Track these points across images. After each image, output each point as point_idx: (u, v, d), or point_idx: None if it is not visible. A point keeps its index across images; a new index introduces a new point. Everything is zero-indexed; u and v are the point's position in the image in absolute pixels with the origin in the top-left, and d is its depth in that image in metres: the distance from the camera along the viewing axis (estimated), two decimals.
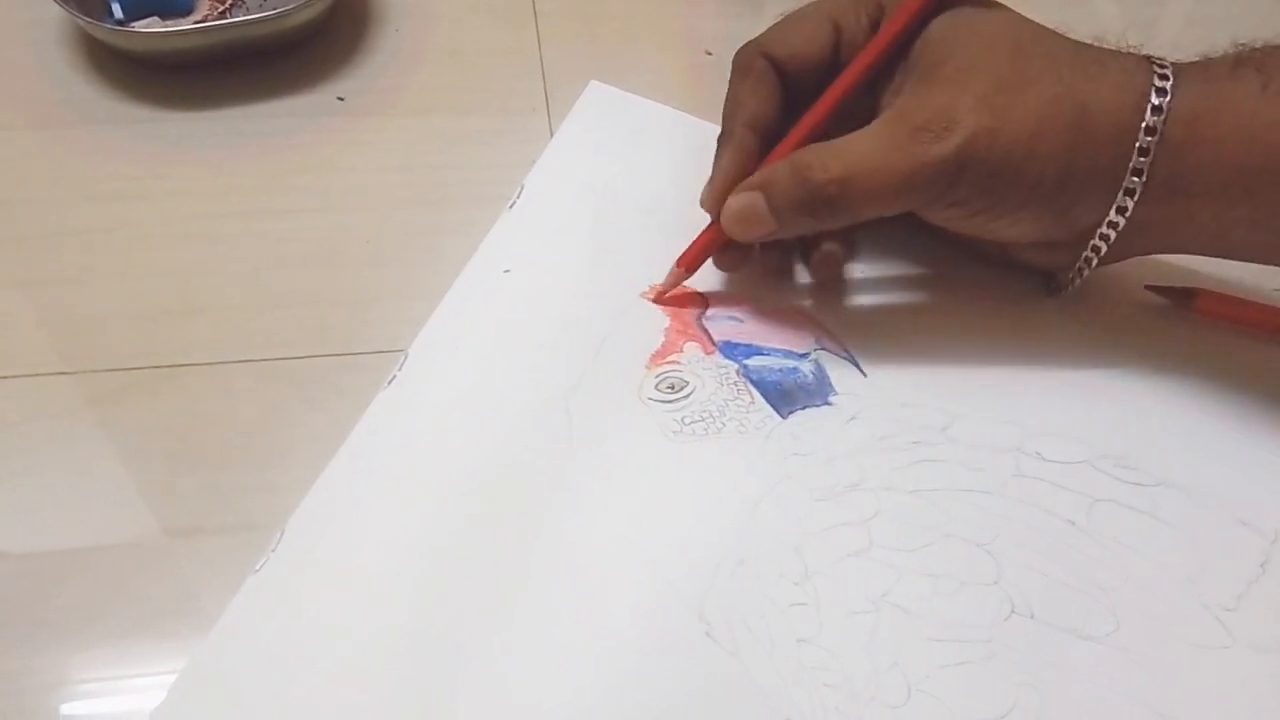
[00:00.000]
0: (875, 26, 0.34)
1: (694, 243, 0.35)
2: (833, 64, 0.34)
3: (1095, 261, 0.33)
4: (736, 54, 0.35)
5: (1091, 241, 0.32)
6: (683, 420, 0.33)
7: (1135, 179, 0.30)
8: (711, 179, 0.34)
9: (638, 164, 0.41)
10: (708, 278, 0.37)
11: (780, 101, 0.34)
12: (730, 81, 0.35)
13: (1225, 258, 0.33)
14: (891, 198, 0.31)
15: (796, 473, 0.32)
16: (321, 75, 0.44)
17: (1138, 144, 0.29)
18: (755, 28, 0.36)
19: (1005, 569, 0.30)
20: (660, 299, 0.36)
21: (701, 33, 0.48)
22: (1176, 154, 0.29)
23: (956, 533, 0.31)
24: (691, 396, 0.34)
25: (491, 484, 0.31)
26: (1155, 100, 0.29)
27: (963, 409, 0.34)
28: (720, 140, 0.35)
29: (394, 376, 0.33)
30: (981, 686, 0.28)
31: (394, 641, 0.28)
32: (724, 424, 0.33)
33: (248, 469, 0.31)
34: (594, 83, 0.44)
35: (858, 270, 0.38)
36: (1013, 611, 0.29)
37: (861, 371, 0.35)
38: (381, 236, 0.38)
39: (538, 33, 0.47)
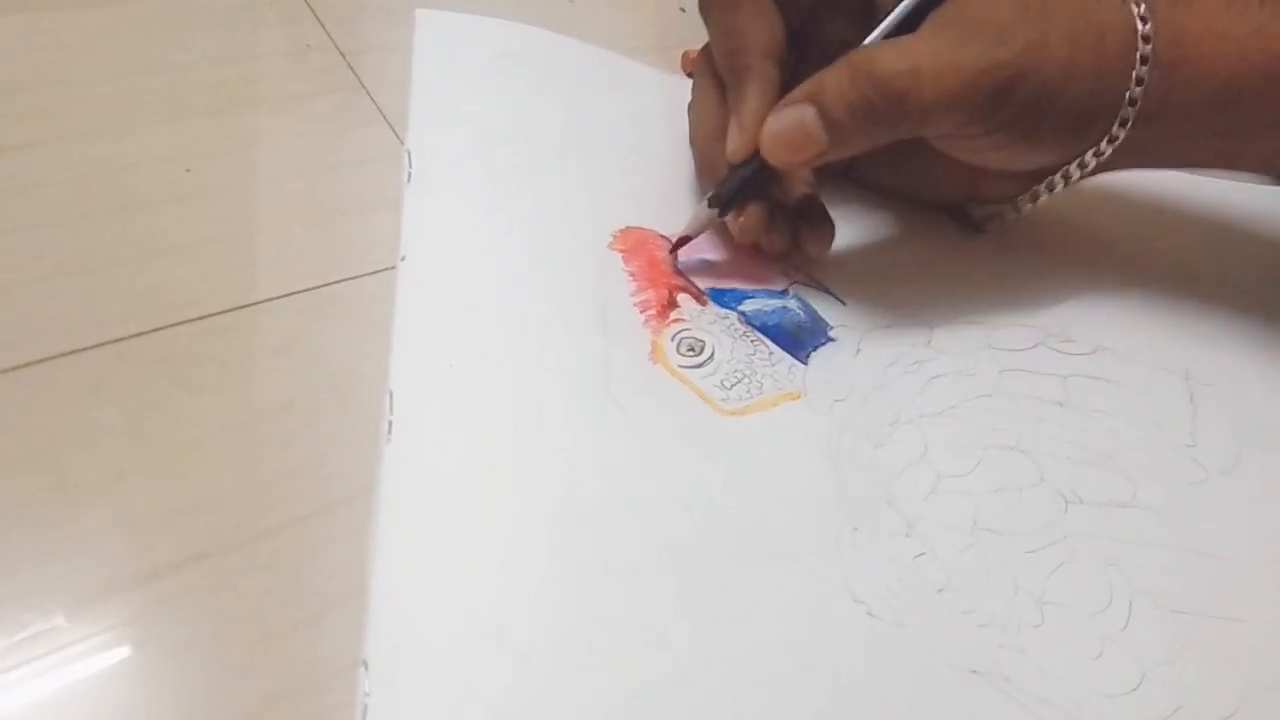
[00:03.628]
0: None
1: (722, 183, 0.31)
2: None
3: (1060, 187, 0.33)
4: None
5: (1073, 163, 0.32)
6: (722, 384, 0.29)
7: (1130, 103, 0.30)
8: (739, 119, 0.29)
9: (520, 95, 0.34)
10: (653, 219, 0.32)
11: (785, 30, 0.30)
12: (711, 15, 0.30)
13: (1190, 169, 0.35)
14: (960, 98, 0.28)
15: (846, 421, 0.30)
16: None
17: (1134, 68, 0.29)
18: None
19: (1042, 465, 0.31)
20: (675, 247, 0.31)
21: None
22: (1166, 74, 0.30)
23: (992, 442, 0.31)
24: (715, 356, 0.30)
25: (569, 511, 0.25)
26: (1142, 25, 0.29)
27: (932, 317, 0.34)
28: (735, 77, 0.30)
29: (390, 423, 0.25)
30: (1083, 581, 0.29)
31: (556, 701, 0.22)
32: (761, 383, 0.30)
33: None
34: (419, 10, 0.35)
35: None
36: (1066, 502, 0.31)
37: (840, 300, 0.33)
38: (167, 165, 0.28)
39: None
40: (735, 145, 0.30)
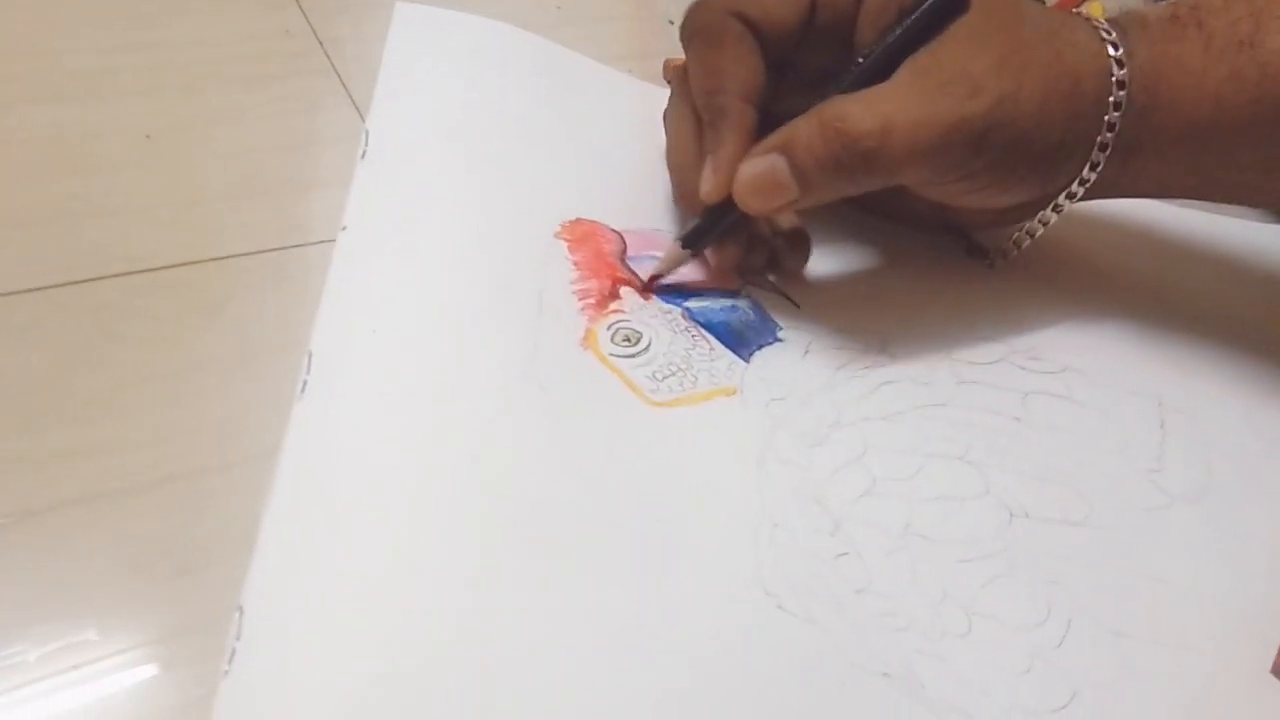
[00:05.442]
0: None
1: (696, 227, 0.31)
2: (809, 27, 0.31)
3: (1051, 223, 0.33)
4: (694, 13, 0.31)
5: (1054, 203, 0.32)
6: (654, 375, 0.29)
7: (1102, 148, 0.30)
8: (715, 162, 0.29)
9: (490, 87, 0.35)
10: (606, 214, 0.32)
11: (765, 71, 0.30)
12: (693, 47, 0.30)
13: (1161, 198, 0.35)
14: (931, 154, 0.28)
15: (782, 419, 0.30)
16: None
17: (1107, 113, 0.29)
18: None
19: (989, 476, 0.31)
20: (649, 286, 0.31)
21: None
22: (1139, 117, 0.30)
23: (936, 451, 0.31)
24: (651, 348, 0.30)
25: (473, 482, 0.25)
26: (1117, 70, 0.29)
27: (890, 326, 0.34)
28: (712, 117, 0.30)
29: (304, 382, 0.25)
30: (1020, 595, 0.28)
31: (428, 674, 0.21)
32: (696, 376, 0.30)
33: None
34: (400, 3, 0.36)
35: None
36: (1011, 515, 0.30)
37: (794, 303, 0.33)
38: (129, 132, 0.30)
39: None
40: (709, 188, 0.30)
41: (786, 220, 0.33)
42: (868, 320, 0.34)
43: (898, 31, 0.29)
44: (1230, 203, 0.38)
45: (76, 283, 0.25)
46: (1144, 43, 0.30)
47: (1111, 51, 0.30)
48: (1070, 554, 0.29)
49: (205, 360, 0.25)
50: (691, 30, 0.31)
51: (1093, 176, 0.31)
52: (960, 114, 0.28)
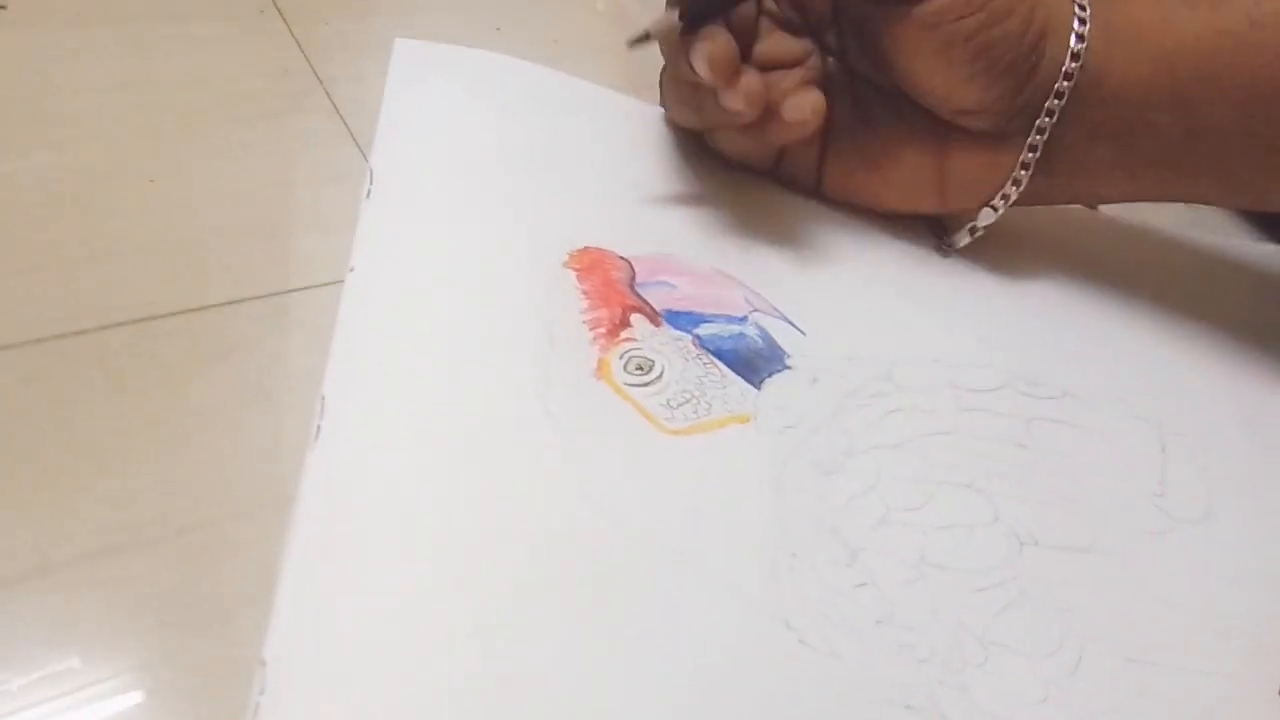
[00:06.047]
0: None
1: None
2: None
3: (1013, 197, 0.34)
4: None
5: (1013, 174, 0.34)
6: (668, 403, 0.29)
7: (1054, 112, 0.32)
8: None
9: (491, 119, 0.34)
10: (613, 241, 0.32)
11: None
12: None
13: (1118, 192, 0.36)
14: None
15: (794, 447, 0.30)
16: None
17: (1069, 45, 0.32)
18: None
19: (997, 504, 0.31)
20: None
21: None
22: (1094, 83, 0.32)
23: (946, 479, 0.31)
24: (664, 376, 0.30)
25: (492, 520, 0.25)
26: (1079, 40, 0.31)
27: (893, 353, 0.34)
28: None
29: (318, 427, 0.25)
30: (1032, 623, 0.28)
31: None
32: (710, 404, 0.30)
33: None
34: (399, 40, 0.36)
35: (765, 232, 0.36)
36: (1020, 543, 0.30)
37: (799, 329, 0.33)
38: (131, 175, 0.29)
39: None
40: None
41: (790, 80, 0.34)
42: (871, 345, 0.34)
43: None
44: (1208, 200, 0.39)
45: (82, 332, 0.25)
46: (1101, 5, 0.33)
47: (1078, 11, 0.32)
48: (1079, 581, 0.30)
49: (215, 407, 0.25)
50: None
51: (1047, 127, 0.33)
52: None
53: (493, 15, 0.40)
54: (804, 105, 0.32)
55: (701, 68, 0.31)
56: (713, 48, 0.30)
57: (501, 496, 0.25)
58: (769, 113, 0.32)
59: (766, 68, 0.33)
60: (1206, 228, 0.42)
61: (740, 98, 0.31)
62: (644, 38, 0.32)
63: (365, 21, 0.37)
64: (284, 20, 0.35)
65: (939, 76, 0.33)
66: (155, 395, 0.25)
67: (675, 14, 0.31)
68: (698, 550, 0.26)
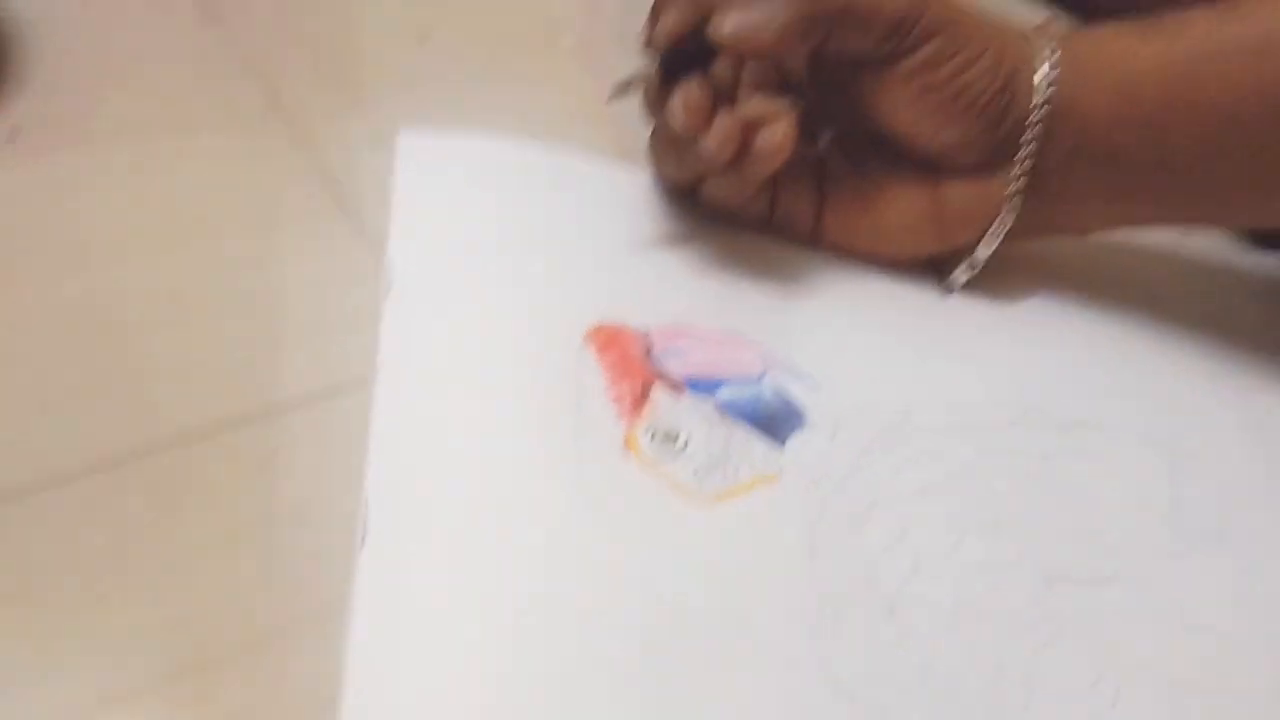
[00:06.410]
0: None
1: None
2: None
3: (1009, 224, 0.36)
4: None
5: (1004, 203, 0.35)
6: (697, 472, 0.30)
7: (1033, 140, 0.34)
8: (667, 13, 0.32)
9: (500, 204, 0.35)
10: (626, 313, 0.33)
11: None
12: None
13: (1113, 227, 0.37)
14: (893, 19, 0.32)
15: (822, 504, 0.30)
16: None
17: (1034, 103, 0.33)
18: None
19: (1022, 543, 0.31)
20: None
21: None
22: (1065, 112, 0.33)
23: (970, 523, 0.32)
24: (690, 445, 0.30)
25: (539, 608, 0.25)
26: (1048, 70, 0.33)
27: (907, 398, 0.35)
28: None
29: (364, 531, 0.25)
30: (1070, 661, 0.29)
31: None
32: (737, 468, 0.30)
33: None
34: (404, 132, 0.37)
35: (769, 289, 0.37)
36: (1049, 580, 0.31)
37: (814, 384, 0.34)
38: (154, 293, 0.30)
39: (224, 24, 0.39)
40: (666, 24, 0.32)
41: (761, 107, 0.34)
42: (885, 392, 0.34)
43: None
44: (1197, 223, 0.41)
45: (125, 458, 0.25)
46: (1077, 37, 0.34)
47: (1048, 56, 0.34)
48: (1109, 613, 0.30)
49: (261, 520, 0.26)
50: None
51: (1030, 154, 0.34)
52: None
53: (483, 92, 0.41)
54: (775, 132, 0.33)
55: (677, 115, 0.32)
56: (687, 96, 0.32)
57: (548, 583, 0.26)
58: (744, 149, 0.33)
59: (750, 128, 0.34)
60: (1195, 241, 0.43)
61: (715, 139, 0.32)
62: (624, 88, 0.33)
63: (364, 115, 0.38)
64: (285, 121, 0.36)
65: (921, 122, 0.34)
66: (203, 515, 0.25)
67: (652, 64, 0.32)
68: (741, 617, 0.27)
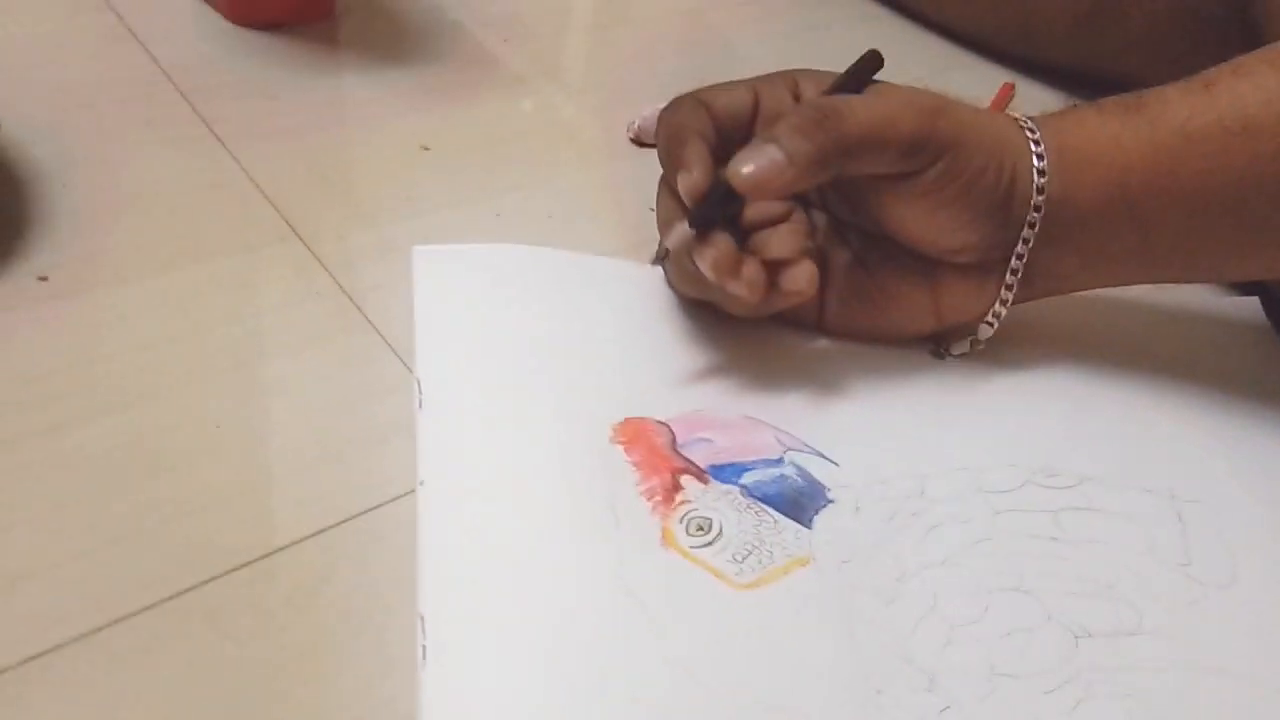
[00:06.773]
0: (796, 99, 0.36)
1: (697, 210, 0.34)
2: (751, 125, 0.36)
3: (1004, 314, 0.37)
4: (672, 102, 0.36)
5: (1000, 295, 0.37)
6: (734, 558, 0.31)
7: (1035, 213, 0.35)
8: (687, 164, 0.34)
9: (518, 312, 0.37)
10: (649, 406, 0.35)
11: (715, 140, 0.35)
12: (664, 121, 0.36)
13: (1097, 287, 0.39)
14: (905, 144, 0.33)
15: (854, 581, 0.32)
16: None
17: (1034, 181, 0.35)
18: None
19: (1047, 603, 0.33)
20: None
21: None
22: (1057, 208, 0.35)
23: (996, 586, 0.33)
24: (724, 532, 0.32)
25: (594, 711, 0.26)
26: (1035, 149, 0.35)
27: (922, 468, 0.36)
28: (676, 148, 0.35)
29: (423, 647, 0.26)
30: (1103, 716, 0.30)
31: None
32: (772, 552, 0.31)
33: None
34: (417, 249, 0.38)
35: (781, 372, 0.38)
36: (1076, 638, 0.32)
37: (832, 461, 0.35)
38: (196, 424, 0.31)
39: (230, 151, 0.41)
40: (689, 183, 0.34)
41: (783, 248, 0.36)
42: (900, 464, 0.36)
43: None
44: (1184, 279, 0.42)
45: (182, 591, 0.26)
46: (1053, 119, 0.36)
47: (1029, 134, 0.36)
48: (1135, 665, 0.32)
49: (320, 641, 0.26)
50: (666, 110, 0.36)
51: (1025, 253, 0.36)
52: (920, 115, 0.34)
53: (485, 199, 0.42)
54: (799, 277, 0.34)
55: (707, 271, 0.34)
56: (716, 254, 0.33)
57: (603, 682, 0.27)
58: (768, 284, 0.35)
59: (755, 228, 0.36)
60: (1175, 289, 0.45)
61: (744, 287, 0.34)
62: (664, 255, 0.36)
63: (377, 231, 0.39)
64: (303, 242, 0.37)
65: (931, 232, 0.36)
66: (261, 642, 0.26)
67: (686, 227, 0.34)
68: (790, 701, 0.28)
